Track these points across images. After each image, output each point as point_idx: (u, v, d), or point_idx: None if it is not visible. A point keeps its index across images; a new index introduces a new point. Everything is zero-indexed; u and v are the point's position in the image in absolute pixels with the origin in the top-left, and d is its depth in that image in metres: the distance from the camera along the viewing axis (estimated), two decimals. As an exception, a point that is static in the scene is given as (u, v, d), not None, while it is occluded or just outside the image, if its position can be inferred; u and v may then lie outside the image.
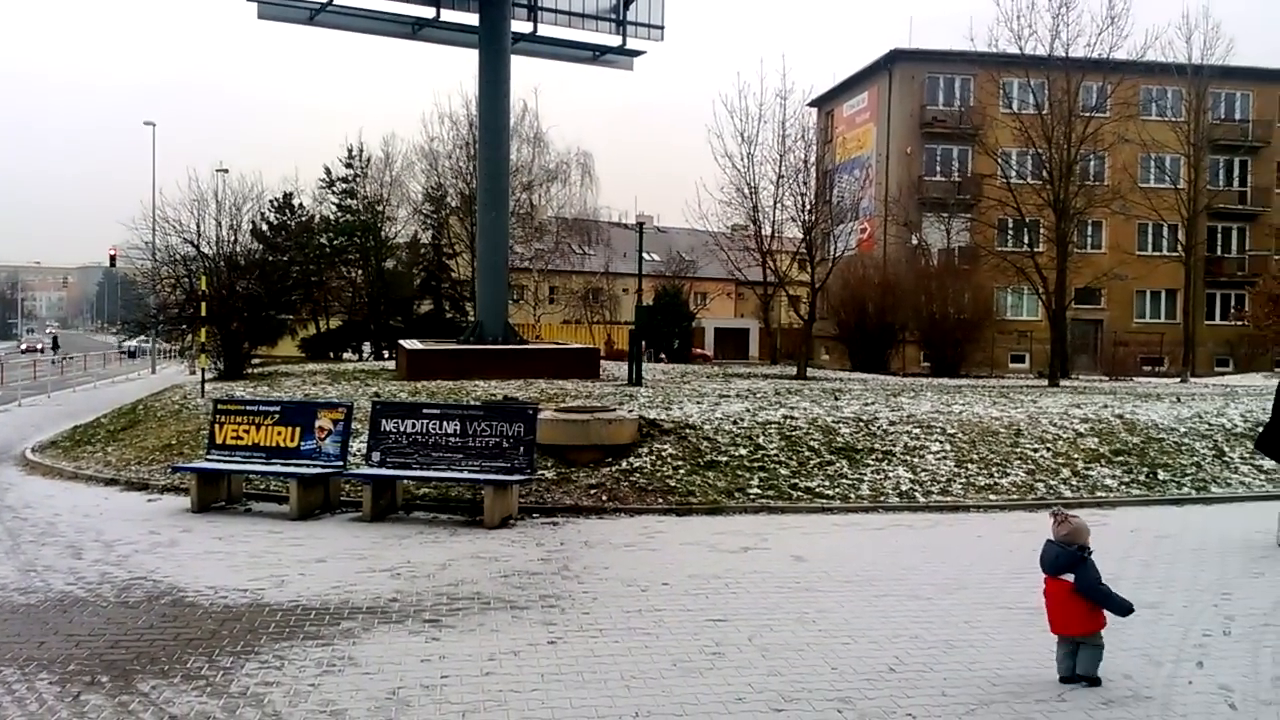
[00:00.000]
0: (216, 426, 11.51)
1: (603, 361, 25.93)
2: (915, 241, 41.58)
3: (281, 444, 11.13)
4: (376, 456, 10.87)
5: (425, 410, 11.05)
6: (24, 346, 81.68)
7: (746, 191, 32.72)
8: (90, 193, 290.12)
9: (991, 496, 11.58)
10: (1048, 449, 13.06)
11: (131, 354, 58.72)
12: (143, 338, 47.48)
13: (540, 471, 11.31)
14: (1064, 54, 28.82)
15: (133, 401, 20.11)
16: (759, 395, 16.91)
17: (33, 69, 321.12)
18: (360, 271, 46.15)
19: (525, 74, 48.14)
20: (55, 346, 65.87)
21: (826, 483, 11.70)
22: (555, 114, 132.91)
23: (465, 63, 68.83)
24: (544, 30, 26.38)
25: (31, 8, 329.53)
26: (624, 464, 11.86)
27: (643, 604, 7.20)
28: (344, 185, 47.35)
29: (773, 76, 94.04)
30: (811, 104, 41.88)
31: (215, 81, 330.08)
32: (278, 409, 11.44)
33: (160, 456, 13.52)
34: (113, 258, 52.90)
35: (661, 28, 27.49)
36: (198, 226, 30.12)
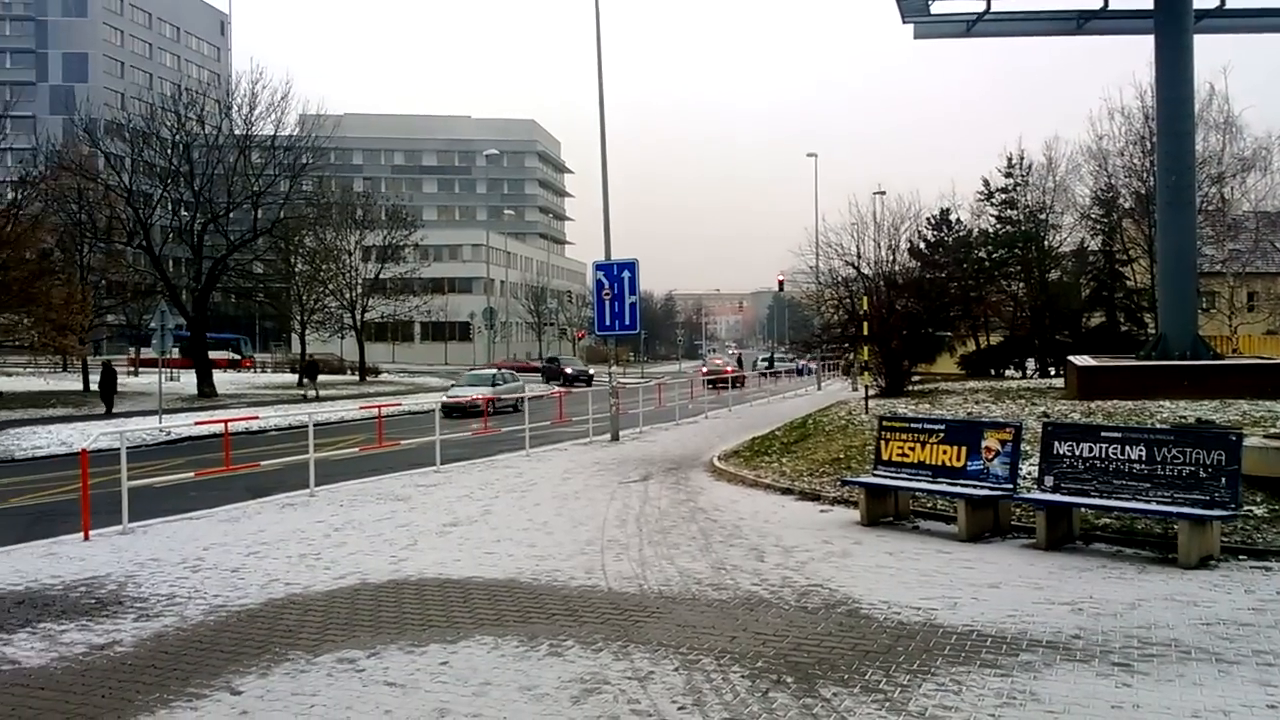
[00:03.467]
0: (882, 443, 11.98)
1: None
2: None
3: (947, 463, 11.19)
4: (1049, 481, 10.39)
5: (1104, 433, 10.29)
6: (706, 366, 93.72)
7: None
8: (762, 224, 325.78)
9: None
10: None
11: (800, 371, 64.46)
12: (809, 356, 51.70)
13: (1247, 508, 9.90)
14: None
15: (802, 416, 21.93)
16: None
17: (731, 112, 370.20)
18: (1021, 284, 45.14)
19: (1209, 53, 43.16)
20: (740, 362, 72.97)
21: None
22: (1250, 93, 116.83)
23: (1138, 50, 63.79)
24: (1234, 1, 23.39)
25: (720, 66, 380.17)
26: (1368, 505, 9.86)
27: None
28: (1003, 196, 46.73)
29: None
30: None
31: (872, 106, 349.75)
32: (942, 427, 11.54)
33: (829, 469, 14.48)
34: (781, 282, 58.66)
35: None
36: (857, 249, 32.09)
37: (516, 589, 8.51)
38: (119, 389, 35.45)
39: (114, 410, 33.22)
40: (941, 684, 5.91)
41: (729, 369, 59.12)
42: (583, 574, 8.98)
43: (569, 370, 62.07)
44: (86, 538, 11.14)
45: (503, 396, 34.15)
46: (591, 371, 61.24)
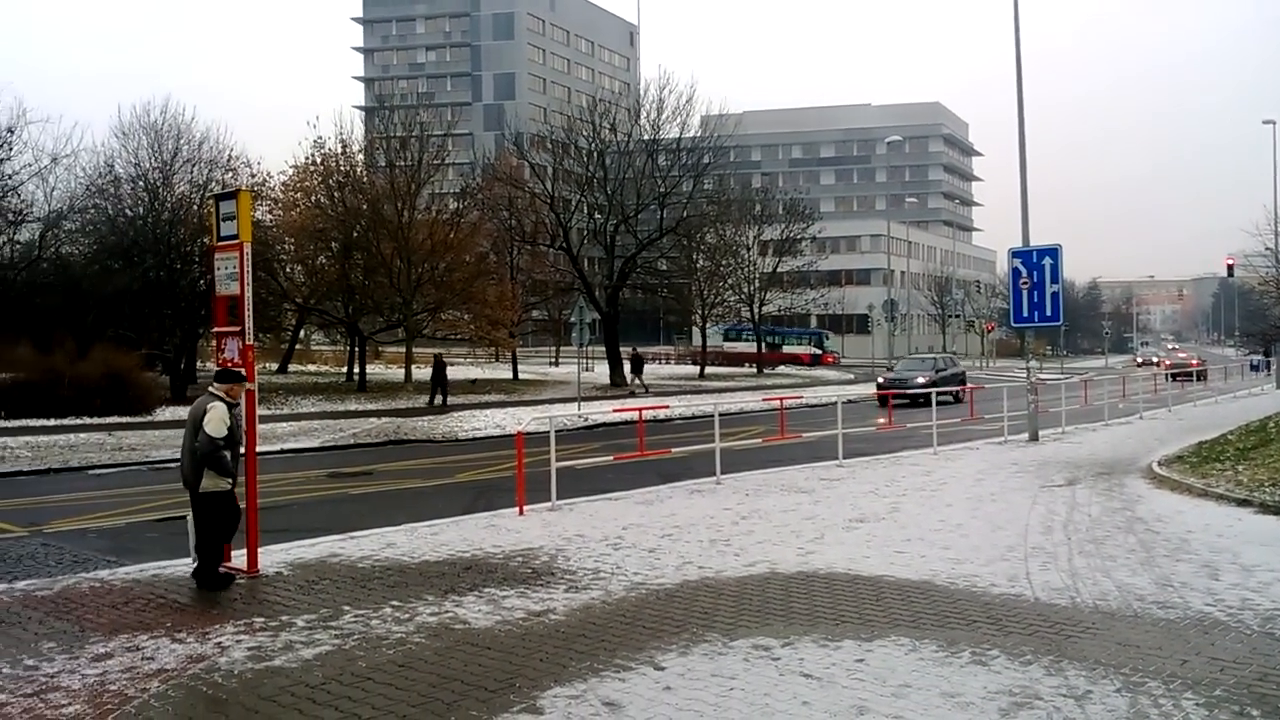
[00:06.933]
0: (1373, 450, 10.34)
1: None
2: None
3: None
4: None
5: None
6: (1139, 360, 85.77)
7: None
8: (1208, 202, 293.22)
9: None
10: None
11: (1254, 367, 57.36)
12: (1264, 352, 45.80)
13: None
14: None
15: (1261, 418, 19.48)
16: None
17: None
18: None
19: None
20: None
21: None
22: None
23: None
24: None
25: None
26: None
27: None
28: None
29: None
30: None
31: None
32: None
33: (1299, 480, 12.73)
34: (1230, 267, 52.37)
35: None
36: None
37: (932, 591, 8.28)
38: (449, 380, 34.28)
39: (447, 404, 32.67)
40: None
41: (1195, 361, 60.20)
42: (1005, 581, 8.55)
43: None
44: (521, 513, 12.34)
45: None
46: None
